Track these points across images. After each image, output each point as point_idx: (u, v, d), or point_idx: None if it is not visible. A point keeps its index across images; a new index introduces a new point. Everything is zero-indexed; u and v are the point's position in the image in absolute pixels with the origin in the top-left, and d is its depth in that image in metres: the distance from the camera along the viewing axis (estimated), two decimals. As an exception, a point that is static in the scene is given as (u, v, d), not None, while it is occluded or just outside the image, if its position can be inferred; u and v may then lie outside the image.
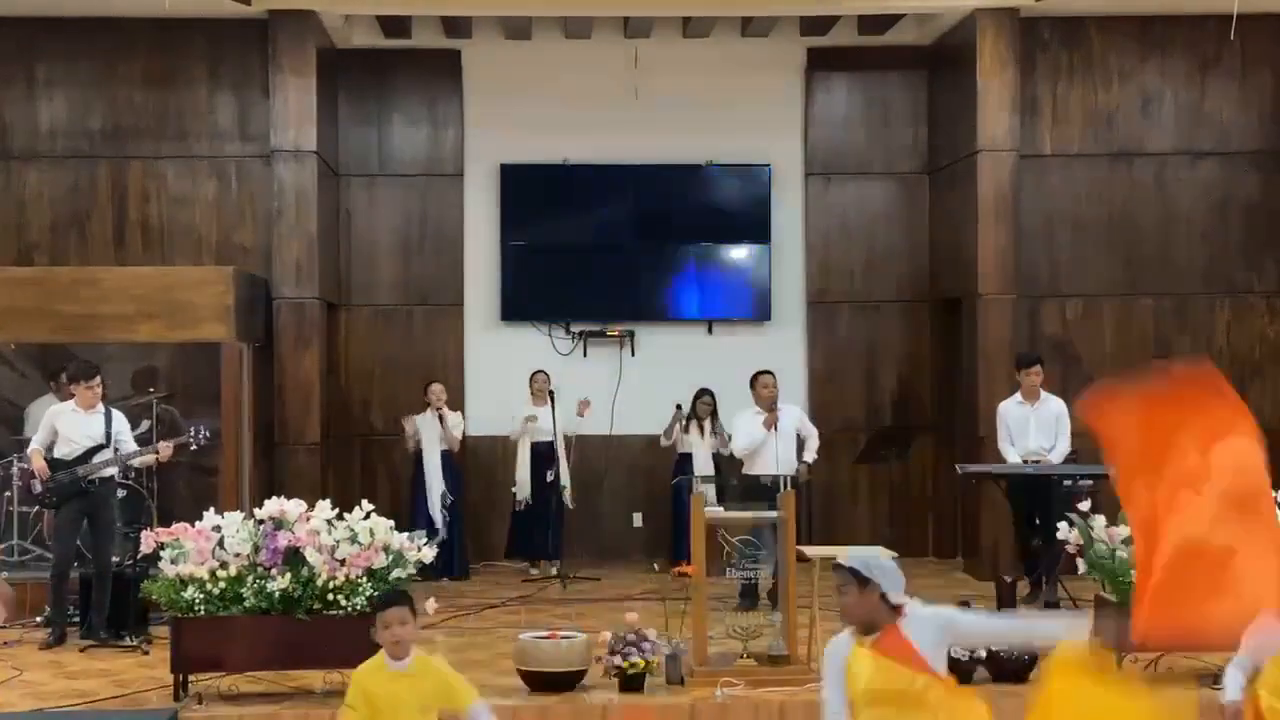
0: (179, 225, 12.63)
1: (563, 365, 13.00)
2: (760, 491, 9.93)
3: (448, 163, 13.39)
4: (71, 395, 9.95)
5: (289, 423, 11.89)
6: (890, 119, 13.54)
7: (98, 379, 9.80)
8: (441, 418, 12.24)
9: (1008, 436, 11.08)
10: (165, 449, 9.88)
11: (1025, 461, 10.88)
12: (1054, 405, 11.11)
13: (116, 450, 9.79)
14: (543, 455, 12.33)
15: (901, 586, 5.02)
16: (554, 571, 12.22)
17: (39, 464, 9.69)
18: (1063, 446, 10.97)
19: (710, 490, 9.99)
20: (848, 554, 5.14)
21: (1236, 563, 4.87)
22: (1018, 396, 11.16)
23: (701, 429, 12.39)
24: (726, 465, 12.08)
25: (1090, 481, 10.41)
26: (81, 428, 9.76)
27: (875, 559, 5.07)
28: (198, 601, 7.92)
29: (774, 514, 8.76)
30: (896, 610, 4.97)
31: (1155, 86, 12.82)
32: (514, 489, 12.49)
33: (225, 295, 11.06)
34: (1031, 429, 11.02)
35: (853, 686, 4.97)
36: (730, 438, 11.48)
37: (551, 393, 12.34)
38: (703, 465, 12.23)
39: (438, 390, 12.29)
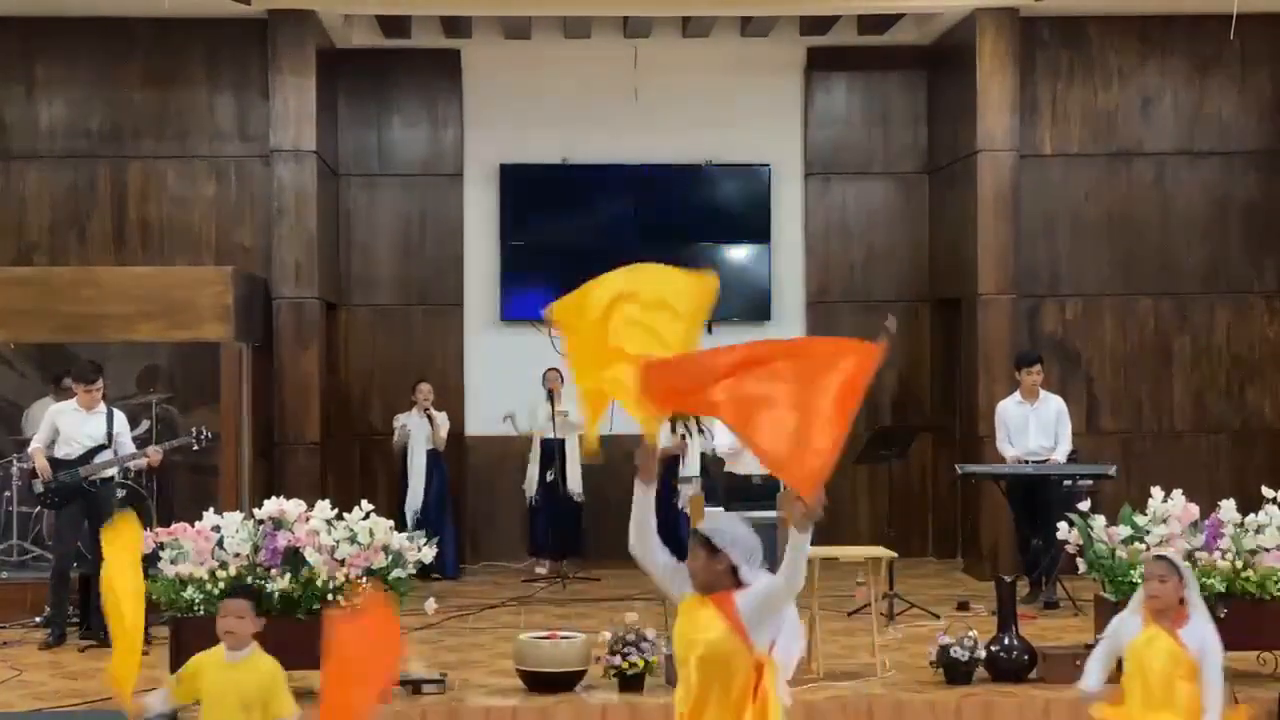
0: (179, 225, 12.62)
1: (562, 366, 12.98)
2: (750, 491, 9.94)
3: (447, 162, 13.39)
4: (68, 395, 9.95)
5: (288, 422, 11.89)
6: (890, 119, 13.54)
7: (99, 383, 9.79)
8: (431, 417, 12.26)
9: (1007, 436, 11.07)
10: (155, 454, 9.90)
11: (1025, 462, 10.87)
12: (1054, 404, 11.10)
13: (116, 451, 9.79)
14: (550, 453, 12.34)
15: (756, 563, 4.92)
16: (562, 570, 12.16)
17: (41, 463, 9.70)
18: (1064, 446, 10.96)
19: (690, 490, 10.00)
20: (707, 519, 5.08)
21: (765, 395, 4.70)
22: (1016, 396, 11.15)
23: (688, 429, 12.38)
24: (712, 465, 12.08)
25: (1090, 481, 10.43)
26: (83, 427, 9.77)
27: (734, 530, 4.94)
28: (197, 601, 7.93)
29: (772, 514, 8.75)
30: (739, 582, 4.89)
31: (1155, 86, 12.81)
32: (524, 486, 12.56)
33: (225, 295, 11.06)
34: (1031, 428, 11.00)
35: (676, 640, 5.01)
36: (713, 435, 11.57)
37: (551, 391, 12.34)
38: (692, 464, 12.22)
39: (426, 390, 12.31)
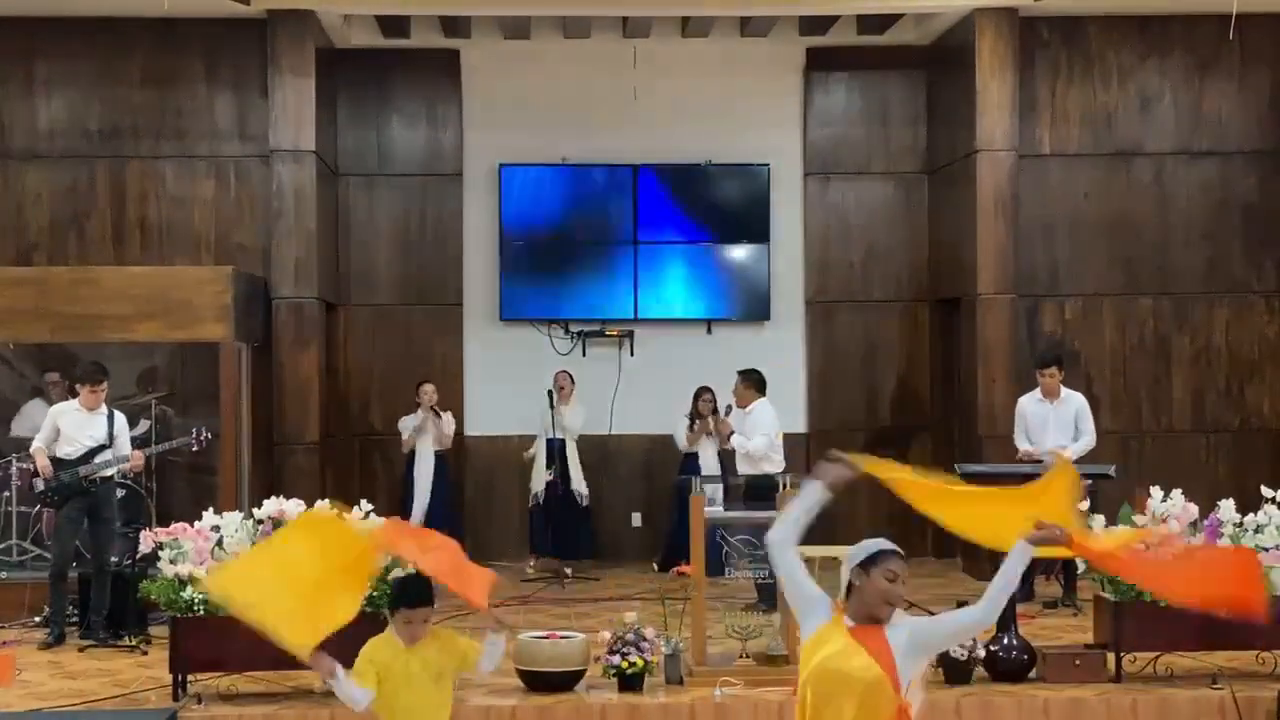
0: (178, 225, 12.62)
1: (562, 365, 13.00)
2: (767, 490, 9.95)
3: (446, 162, 13.40)
4: (65, 395, 9.95)
5: (288, 422, 11.89)
6: (889, 119, 13.54)
7: (104, 384, 9.81)
8: (439, 416, 12.28)
9: (1024, 431, 10.98)
10: (137, 458, 9.93)
11: (1039, 460, 10.76)
12: (1074, 403, 10.97)
13: (115, 452, 9.81)
14: (554, 454, 12.33)
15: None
16: (566, 571, 12.15)
17: (43, 463, 9.70)
18: (1083, 441, 10.79)
19: (710, 490, 9.98)
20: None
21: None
22: (1037, 394, 11.03)
23: (706, 429, 12.37)
24: (730, 464, 12.08)
25: (1090, 481, 10.39)
26: (84, 427, 9.77)
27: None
28: (196, 601, 7.93)
29: (772, 514, 8.74)
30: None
31: (1154, 86, 12.82)
32: (531, 485, 12.61)
33: (224, 295, 11.07)
34: (1051, 427, 10.87)
35: (825, 671, 4.85)
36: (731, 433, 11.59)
37: (550, 392, 12.34)
38: (709, 464, 12.22)
39: (430, 390, 12.31)
